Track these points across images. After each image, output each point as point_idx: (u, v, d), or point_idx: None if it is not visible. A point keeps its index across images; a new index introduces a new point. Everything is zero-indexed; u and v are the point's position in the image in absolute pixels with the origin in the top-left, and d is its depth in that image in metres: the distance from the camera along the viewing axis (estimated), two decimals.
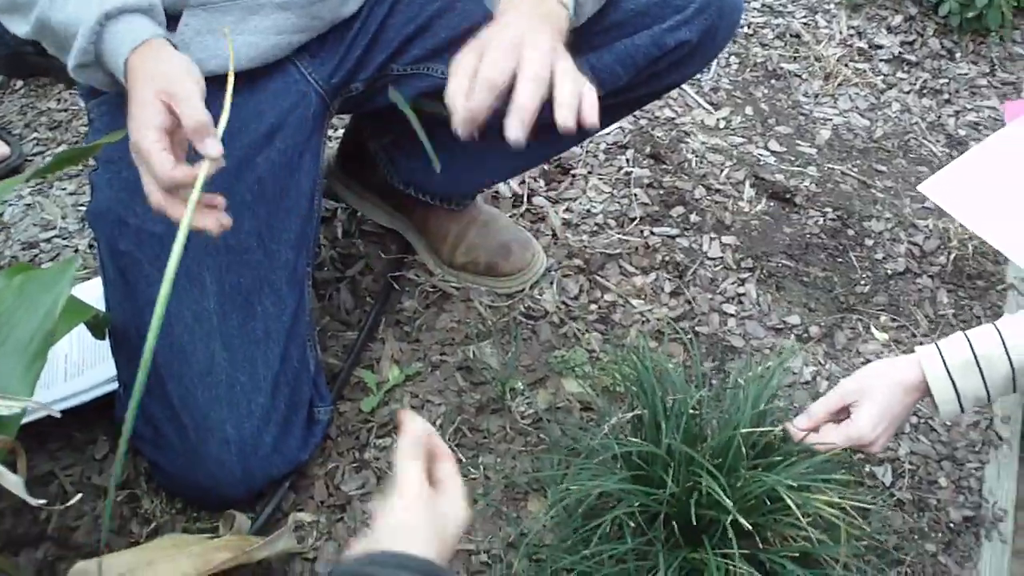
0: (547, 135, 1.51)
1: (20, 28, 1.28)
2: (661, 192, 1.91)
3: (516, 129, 1.11)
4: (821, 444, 1.28)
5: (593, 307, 1.69)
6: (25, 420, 1.01)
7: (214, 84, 1.21)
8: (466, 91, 1.12)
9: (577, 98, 1.11)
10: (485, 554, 1.36)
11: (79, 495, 1.12)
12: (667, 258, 1.78)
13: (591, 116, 1.11)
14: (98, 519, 1.42)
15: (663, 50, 1.37)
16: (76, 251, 1.87)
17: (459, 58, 1.14)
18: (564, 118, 1.10)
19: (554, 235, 1.82)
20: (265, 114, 1.40)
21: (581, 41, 1.34)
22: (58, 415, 1.02)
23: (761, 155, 2.03)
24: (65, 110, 2.26)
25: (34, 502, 0.90)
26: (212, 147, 1.16)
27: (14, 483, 0.89)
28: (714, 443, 1.27)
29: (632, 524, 1.25)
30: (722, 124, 2.11)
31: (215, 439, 1.32)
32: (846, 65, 2.32)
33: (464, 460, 1.46)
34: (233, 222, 1.34)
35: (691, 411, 1.29)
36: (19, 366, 0.99)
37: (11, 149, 2.12)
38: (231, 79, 1.22)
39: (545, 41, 1.13)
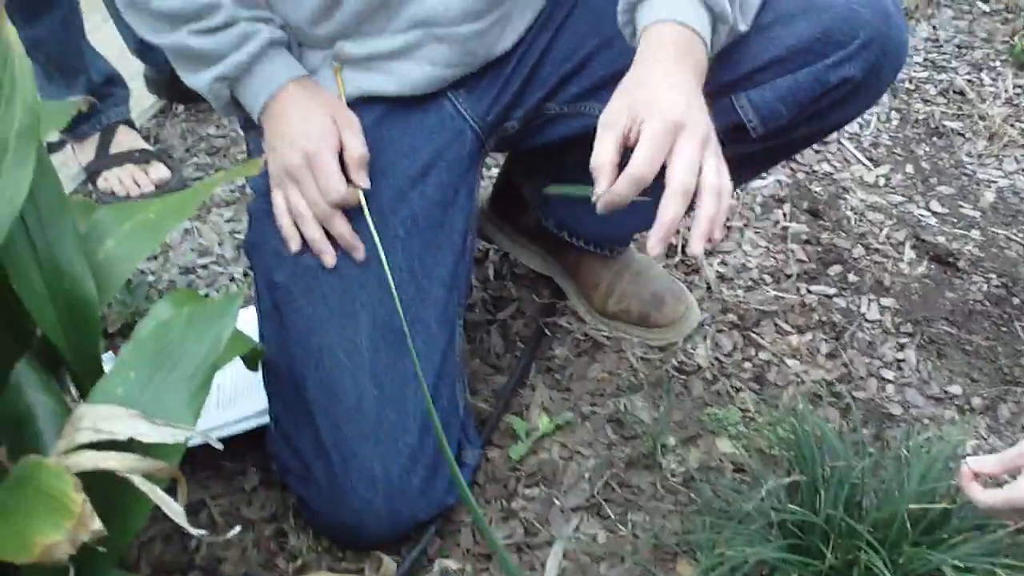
0: None
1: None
2: (819, 249, 1.87)
3: (656, 246, 1.11)
4: (996, 520, 1.21)
5: (747, 365, 1.66)
6: None
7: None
8: (610, 177, 1.11)
9: (711, 224, 1.09)
10: None
11: (237, 528, 1.11)
12: (824, 318, 1.73)
13: (717, 235, 1.11)
14: (246, 551, 1.42)
15: (826, 87, 1.33)
16: (232, 279, 1.89)
17: (609, 119, 1.13)
18: (695, 248, 1.10)
19: (708, 288, 1.79)
20: (420, 150, 1.40)
21: (742, 77, 1.32)
22: (219, 446, 1.02)
23: (922, 215, 1.97)
24: (224, 136, 2.30)
25: (194, 532, 0.90)
26: (365, 180, 1.34)
27: (176, 512, 0.88)
28: (876, 515, 1.22)
29: None
30: (882, 181, 2.06)
31: (362, 477, 1.31)
32: (1012, 125, 2.25)
33: (613, 516, 1.43)
34: (386, 256, 1.35)
35: (852, 480, 1.24)
36: (184, 396, 0.99)
37: (172, 173, 2.16)
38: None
39: (699, 129, 1.11)
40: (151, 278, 1.93)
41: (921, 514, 1.23)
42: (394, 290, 1.29)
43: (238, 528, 1.18)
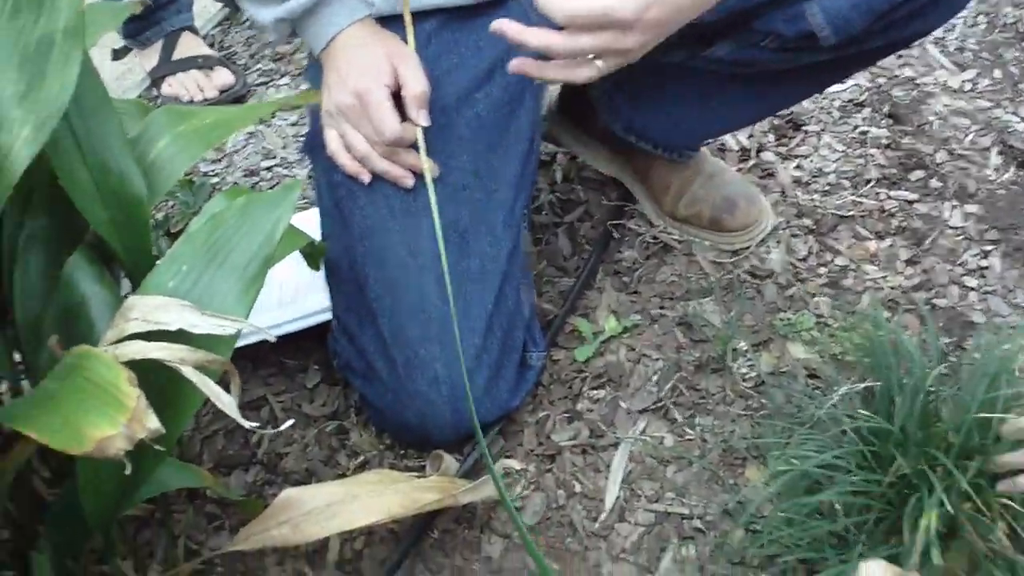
0: (782, 83, 1.44)
1: None
2: (899, 154, 1.80)
3: None
4: None
5: (822, 270, 1.60)
6: (240, 344, 0.99)
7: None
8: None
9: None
10: (699, 520, 1.30)
11: (291, 421, 1.09)
12: (904, 224, 1.67)
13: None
14: (307, 447, 1.41)
15: None
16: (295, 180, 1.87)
17: None
18: None
19: (783, 192, 1.73)
20: (484, 50, 1.36)
21: None
22: (273, 339, 1.00)
23: (1010, 121, 1.89)
24: (289, 42, 2.27)
25: (247, 424, 0.88)
26: (424, 117, 1.28)
27: (227, 404, 0.86)
28: (948, 424, 1.17)
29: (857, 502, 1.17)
30: (967, 86, 1.97)
31: (425, 377, 1.29)
32: None
33: (680, 419, 1.40)
34: (451, 157, 1.31)
35: (928, 388, 1.19)
36: (236, 288, 0.97)
37: (236, 78, 2.14)
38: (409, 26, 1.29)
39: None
40: (215, 180, 1.92)
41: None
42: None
43: (291, 421, 1.17)
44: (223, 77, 2.13)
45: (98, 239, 1.08)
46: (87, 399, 0.78)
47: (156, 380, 0.87)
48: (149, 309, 0.89)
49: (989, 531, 1.11)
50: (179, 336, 0.88)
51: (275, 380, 1.50)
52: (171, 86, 2.13)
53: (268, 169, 1.94)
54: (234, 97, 2.12)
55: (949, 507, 1.09)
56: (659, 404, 1.42)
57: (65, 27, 0.97)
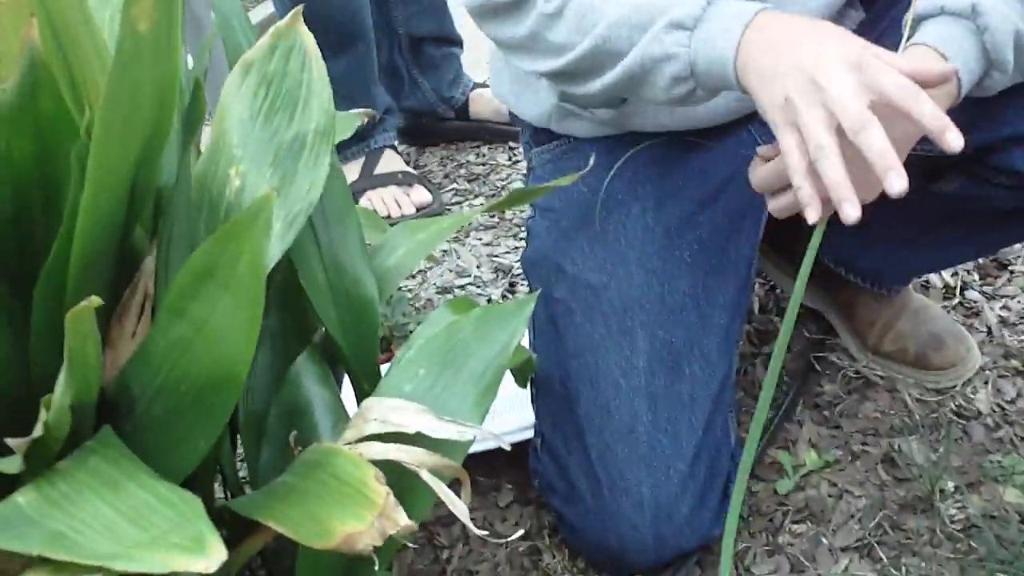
0: (1005, 224, 1.41)
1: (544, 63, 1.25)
2: None
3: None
4: None
5: None
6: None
7: None
8: None
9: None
10: None
11: (485, 532, 1.08)
12: None
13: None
14: (498, 566, 1.41)
15: None
16: (489, 300, 1.90)
17: None
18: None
19: (989, 332, 1.69)
20: (711, 173, 1.37)
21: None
22: (508, 447, 1.01)
23: None
24: (483, 164, 2.32)
25: (478, 532, 0.89)
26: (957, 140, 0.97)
27: (461, 510, 0.87)
28: None
29: None
30: None
31: (630, 500, 1.28)
32: None
33: (886, 559, 1.36)
34: (670, 279, 1.32)
35: None
36: (471, 395, 0.99)
37: (432, 197, 2.19)
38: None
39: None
40: (409, 296, 1.95)
41: None
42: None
43: (518, 534, 1.16)
44: (421, 195, 2.19)
45: (325, 341, 1.11)
46: (333, 494, 0.80)
47: (389, 481, 0.88)
48: (388, 410, 0.91)
49: None
50: (413, 439, 0.89)
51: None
52: (370, 200, 2.19)
53: (461, 287, 1.98)
54: (431, 215, 2.17)
55: None
56: (863, 542, 1.38)
57: (316, 128, 1.01)
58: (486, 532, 0.95)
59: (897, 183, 0.93)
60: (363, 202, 2.20)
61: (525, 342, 1.43)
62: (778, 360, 1.04)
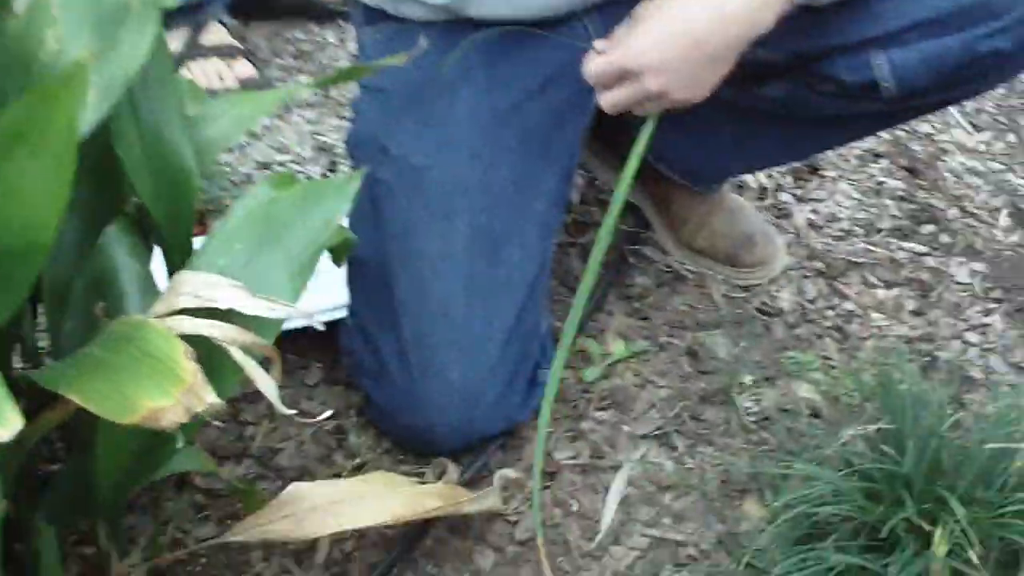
0: (825, 129, 1.45)
1: None
2: (913, 207, 1.83)
3: None
4: None
5: (830, 313, 1.62)
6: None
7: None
8: None
9: None
10: (694, 547, 1.31)
11: (294, 412, 1.09)
12: (912, 275, 1.70)
13: None
14: (303, 445, 1.41)
15: (973, 57, 1.27)
16: (308, 179, 1.87)
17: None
18: None
19: (797, 234, 1.75)
20: (543, 63, 1.37)
21: (884, 35, 1.27)
22: (321, 327, 1.00)
23: (1020, 185, 1.92)
24: (312, 42, 2.27)
25: (286, 411, 0.89)
26: None
27: (270, 388, 0.87)
28: (963, 472, 1.19)
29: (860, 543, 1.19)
30: (982, 147, 2.00)
31: (439, 383, 1.30)
32: None
33: (682, 448, 1.41)
34: (494, 165, 1.31)
35: (941, 434, 1.21)
36: (287, 273, 0.97)
37: (256, 72, 2.14)
38: None
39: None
40: (227, 169, 1.91)
41: (999, 472, 1.20)
42: None
43: (327, 414, 1.16)
44: (244, 68, 2.13)
45: (139, 212, 1.08)
46: (140, 369, 0.78)
47: (199, 357, 0.87)
48: (200, 285, 0.89)
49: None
50: (226, 315, 0.88)
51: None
52: (192, 72, 2.13)
53: (281, 164, 1.94)
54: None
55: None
56: (662, 431, 1.43)
57: None
58: (294, 411, 0.94)
59: None
60: (183, 72, 2.13)
61: (344, 221, 1.41)
62: (599, 251, 1.06)
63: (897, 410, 1.24)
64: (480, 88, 1.35)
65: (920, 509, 1.15)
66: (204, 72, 2.12)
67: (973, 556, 1.10)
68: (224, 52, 2.14)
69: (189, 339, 0.83)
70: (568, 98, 1.38)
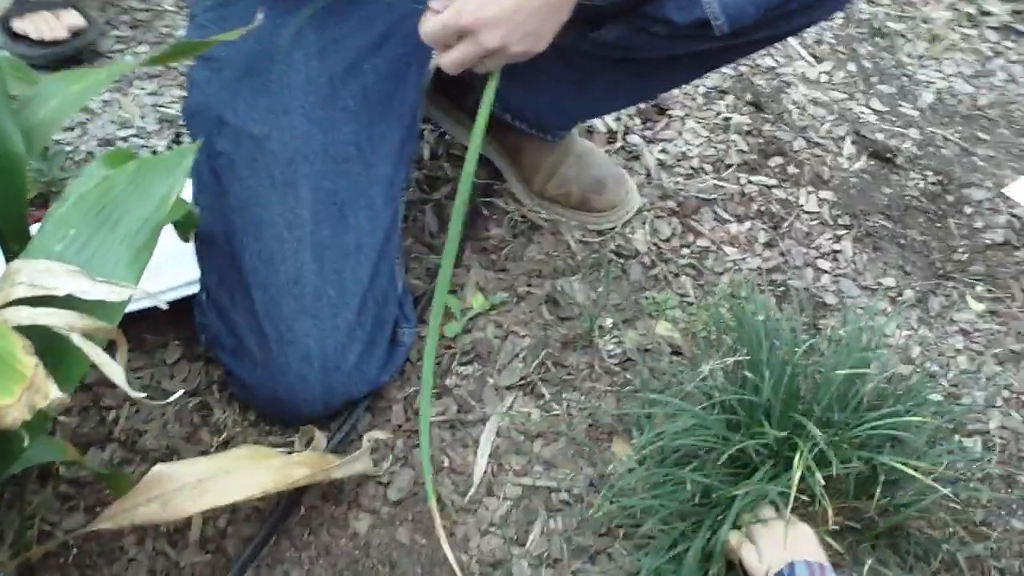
0: (664, 70, 1.45)
1: None
2: (760, 141, 1.85)
3: None
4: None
5: (685, 251, 1.64)
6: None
7: None
8: None
9: None
10: (566, 492, 1.32)
11: (178, 393, 1.07)
12: (763, 208, 1.72)
13: None
14: (167, 424, 1.38)
15: None
16: (154, 153, 1.82)
17: None
18: None
19: (648, 175, 1.76)
20: (375, 21, 1.35)
21: None
22: (165, 306, 0.98)
23: (862, 113, 1.96)
24: (148, 9, 2.21)
25: (136, 395, 0.87)
26: None
27: (116, 373, 0.85)
28: (819, 397, 1.22)
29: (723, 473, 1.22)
30: (824, 78, 2.04)
31: (297, 352, 1.28)
32: (953, 29, 2.24)
33: (547, 395, 1.42)
34: (334, 129, 1.29)
35: (795, 361, 1.24)
36: (126, 254, 0.95)
37: (87, 23, 2.08)
38: None
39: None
40: (68, 148, 1.86)
41: (853, 394, 1.24)
42: None
43: (179, 393, 1.13)
44: (73, 18, 2.07)
45: None
46: None
47: (40, 347, 0.84)
48: (36, 273, 0.87)
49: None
50: (66, 301, 0.85)
51: (133, 355, 1.46)
52: (21, 27, 2.06)
53: (124, 139, 1.89)
54: (87, 43, 2.06)
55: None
56: (526, 380, 1.44)
57: None
58: (144, 394, 0.92)
59: None
60: (15, 27, 2.07)
61: (188, 195, 1.39)
62: (461, 207, 1.06)
63: (753, 342, 1.27)
64: (313, 51, 1.33)
65: (779, 437, 1.18)
66: (35, 25, 2.06)
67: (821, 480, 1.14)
68: (54, 4, 2.08)
69: (28, 330, 0.81)
70: (405, 55, 1.36)
